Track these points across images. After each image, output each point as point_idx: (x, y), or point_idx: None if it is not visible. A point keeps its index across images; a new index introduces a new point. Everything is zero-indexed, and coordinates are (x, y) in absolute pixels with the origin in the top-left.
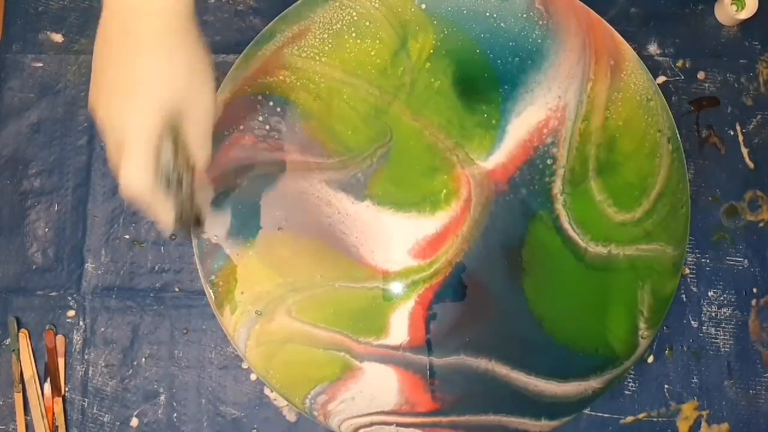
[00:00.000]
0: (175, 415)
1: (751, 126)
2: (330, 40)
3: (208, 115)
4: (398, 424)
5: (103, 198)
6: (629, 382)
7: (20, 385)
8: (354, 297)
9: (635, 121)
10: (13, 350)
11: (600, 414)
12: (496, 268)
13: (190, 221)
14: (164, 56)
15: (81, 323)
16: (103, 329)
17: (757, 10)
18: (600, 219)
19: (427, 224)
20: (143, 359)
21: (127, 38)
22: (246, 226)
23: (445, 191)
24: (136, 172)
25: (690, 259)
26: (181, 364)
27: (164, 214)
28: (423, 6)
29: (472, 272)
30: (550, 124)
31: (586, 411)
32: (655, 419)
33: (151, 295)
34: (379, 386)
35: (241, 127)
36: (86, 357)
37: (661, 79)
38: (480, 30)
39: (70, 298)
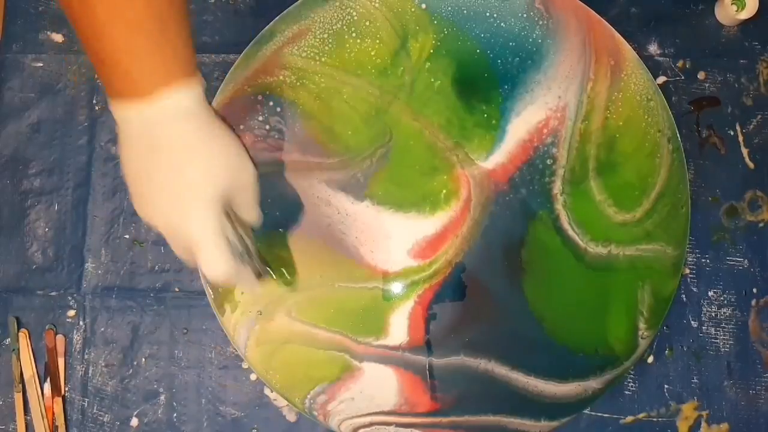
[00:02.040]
0: (175, 415)
1: (751, 126)
2: (330, 40)
3: (253, 184)
4: (398, 425)
5: (103, 198)
6: (629, 382)
7: (20, 385)
8: (354, 297)
9: (635, 121)
10: (13, 350)
11: (600, 414)
12: (496, 269)
13: (266, 272)
14: (202, 154)
15: (81, 323)
16: (103, 329)
17: (758, 10)
18: (600, 219)
19: (426, 224)
20: (143, 359)
21: (158, 150)
22: None
23: (444, 191)
24: (218, 263)
25: (690, 259)
26: (181, 364)
27: (247, 281)
28: (423, 6)
29: (472, 272)
30: (550, 124)
31: (586, 411)
32: (655, 419)
33: (152, 295)
34: (379, 386)
35: (241, 127)
36: (86, 357)
37: (662, 79)
38: (480, 30)
39: (70, 298)
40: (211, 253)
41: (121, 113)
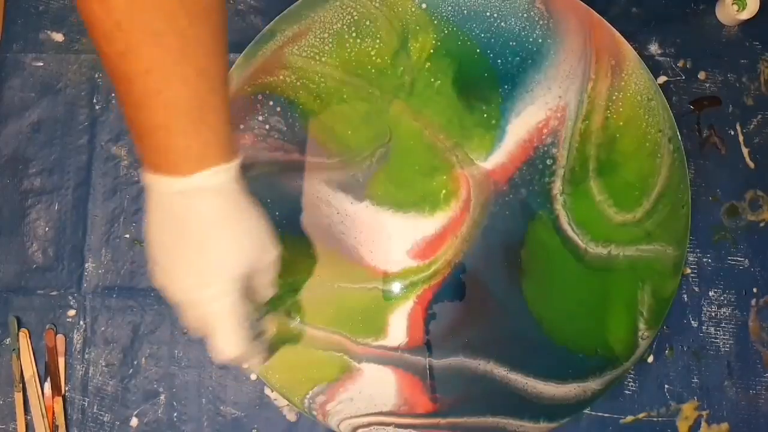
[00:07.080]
0: (175, 414)
1: (752, 126)
2: (330, 40)
3: (274, 264)
4: (396, 425)
5: (103, 197)
6: (629, 381)
7: (20, 385)
8: (353, 297)
9: (636, 121)
10: (14, 350)
11: (600, 414)
12: (496, 269)
13: (274, 349)
14: (228, 234)
15: (81, 323)
16: (103, 329)
17: (759, 10)
18: (600, 219)
19: (426, 225)
20: (143, 359)
21: (186, 225)
22: None
23: (444, 191)
24: (231, 342)
25: (691, 258)
26: (182, 363)
27: (254, 359)
28: (423, 6)
29: (472, 273)
30: (550, 124)
31: (586, 411)
32: (655, 419)
33: (152, 294)
34: (378, 387)
35: (241, 127)
36: (86, 356)
37: (662, 78)
38: (480, 30)
39: (70, 298)
40: (226, 333)
41: (152, 182)
